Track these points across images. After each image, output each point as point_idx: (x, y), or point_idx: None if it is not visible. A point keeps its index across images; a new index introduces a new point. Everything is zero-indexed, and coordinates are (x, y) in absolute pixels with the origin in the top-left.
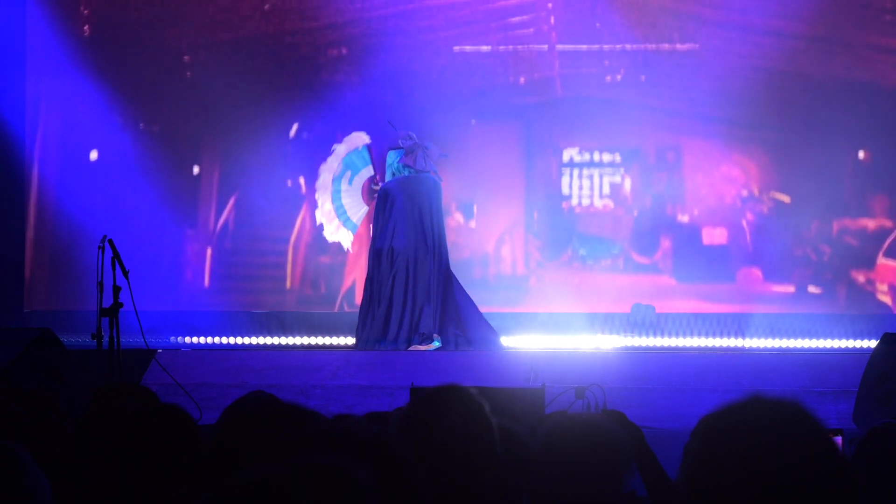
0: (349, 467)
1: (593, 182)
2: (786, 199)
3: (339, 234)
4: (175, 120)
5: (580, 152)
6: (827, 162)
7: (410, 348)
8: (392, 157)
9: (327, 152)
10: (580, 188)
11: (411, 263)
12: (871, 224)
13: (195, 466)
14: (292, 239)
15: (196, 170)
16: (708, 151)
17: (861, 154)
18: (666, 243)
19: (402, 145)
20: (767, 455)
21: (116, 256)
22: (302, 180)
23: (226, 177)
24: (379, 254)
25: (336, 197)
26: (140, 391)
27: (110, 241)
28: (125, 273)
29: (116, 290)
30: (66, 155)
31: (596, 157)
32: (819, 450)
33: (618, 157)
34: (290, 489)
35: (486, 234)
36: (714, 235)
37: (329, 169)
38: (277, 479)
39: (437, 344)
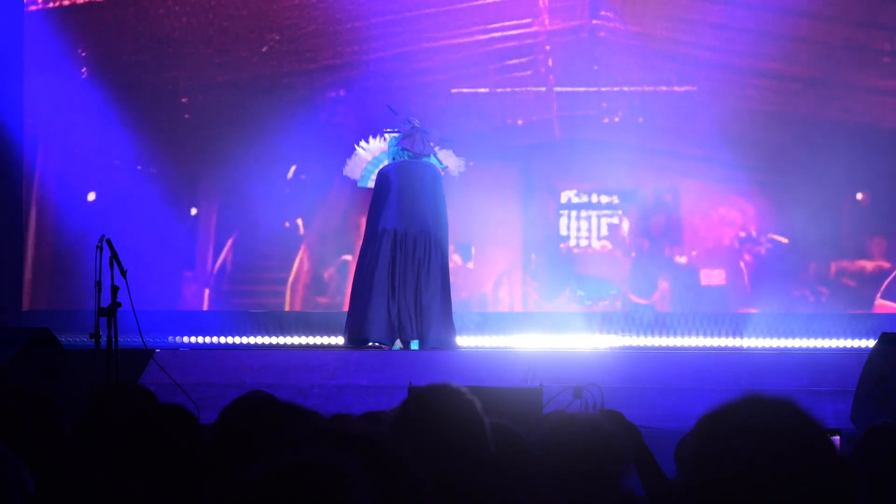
0: (344, 465)
1: (591, 223)
2: (784, 240)
3: (356, 171)
4: (173, 161)
5: (578, 194)
6: (825, 204)
7: (393, 347)
8: (392, 143)
9: (325, 193)
10: (578, 230)
11: (401, 245)
12: (868, 265)
13: (197, 466)
14: (290, 280)
15: (194, 211)
16: (706, 193)
17: (859, 196)
18: (664, 284)
19: (400, 130)
20: (765, 455)
21: (115, 256)
22: (300, 222)
23: (224, 218)
24: (371, 237)
25: (371, 165)
26: (138, 391)
27: (108, 241)
28: (123, 273)
29: (114, 289)
30: (62, 156)
31: (594, 198)
32: (816, 449)
33: (615, 199)
34: (285, 488)
35: (484, 275)
36: (712, 277)
37: (372, 149)
38: (273, 479)
39: (414, 346)
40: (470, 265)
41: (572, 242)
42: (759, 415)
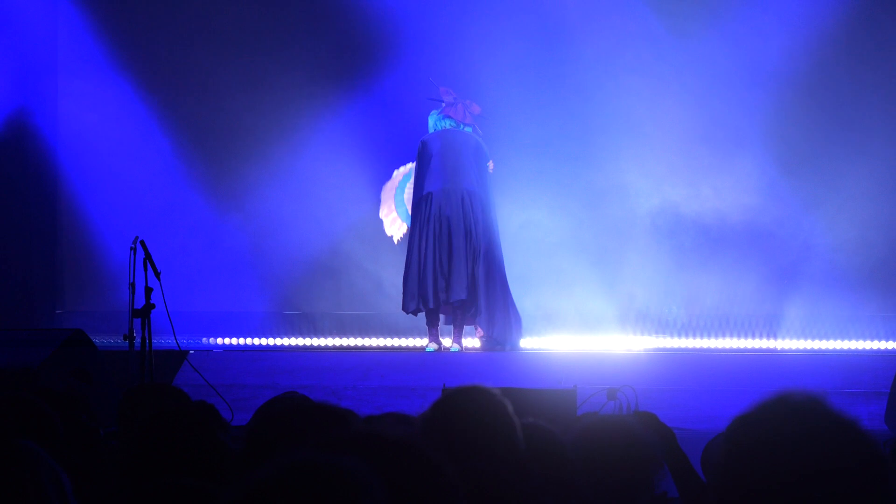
0: (351, 466)
1: None
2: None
3: (394, 227)
4: (210, 159)
5: None
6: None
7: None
8: (433, 116)
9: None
10: None
11: (448, 204)
12: None
13: (225, 464)
14: None
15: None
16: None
17: None
18: None
19: (444, 97)
20: (797, 454)
21: (148, 257)
22: None
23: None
24: (418, 203)
25: (399, 192)
26: (171, 391)
27: (142, 242)
28: (157, 274)
29: (148, 291)
30: (96, 158)
31: None
32: (851, 446)
33: None
34: (288, 489)
35: None
36: None
37: (400, 172)
38: (275, 480)
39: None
40: None
41: None
42: (789, 414)
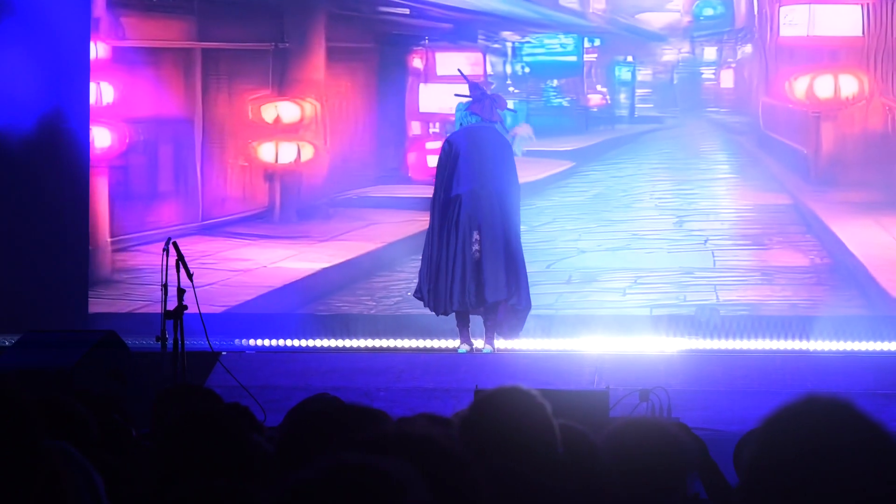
0: (394, 469)
1: None
2: None
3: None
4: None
5: None
6: None
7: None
8: (460, 108)
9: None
10: None
11: (479, 206)
12: None
13: (257, 466)
14: None
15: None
16: None
17: None
18: None
19: (471, 94)
20: (825, 457)
21: (181, 259)
22: None
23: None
24: (445, 203)
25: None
26: (204, 393)
27: (175, 244)
28: (189, 276)
29: (181, 292)
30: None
31: None
32: (876, 449)
33: None
34: (331, 491)
35: None
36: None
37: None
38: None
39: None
40: None
41: None
42: (816, 416)
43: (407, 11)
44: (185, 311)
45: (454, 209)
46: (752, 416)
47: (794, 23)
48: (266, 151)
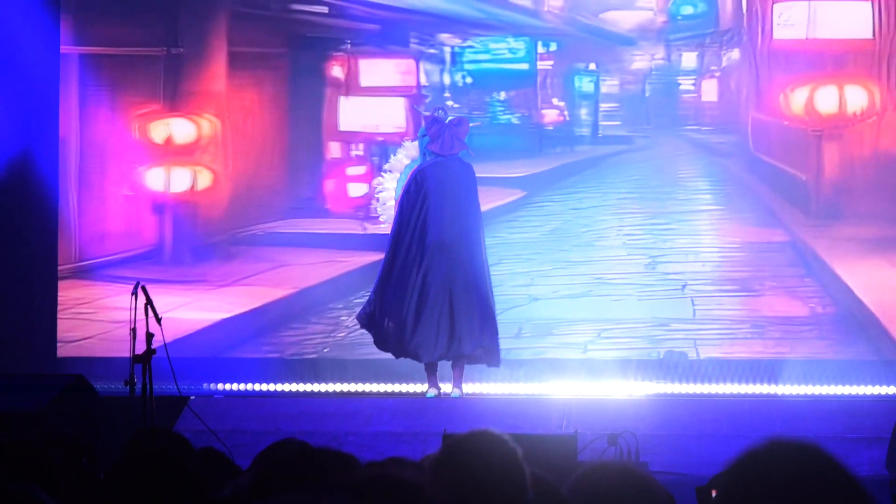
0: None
1: None
2: None
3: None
4: None
5: None
6: None
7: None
8: (422, 139)
9: None
10: None
11: (445, 264)
12: None
13: None
14: None
15: None
16: None
17: None
18: None
19: (427, 130)
20: (792, 499)
21: (149, 303)
22: None
23: None
24: (409, 244)
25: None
26: (173, 437)
27: (143, 288)
28: (158, 320)
29: (149, 336)
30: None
31: None
32: (843, 493)
33: None
34: None
35: None
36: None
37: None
38: None
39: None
40: None
41: None
42: (783, 459)
43: (325, 10)
44: (154, 355)
45: (423, 257)
46: (721, 459)
47: (790, 23)
48: (155, 178)
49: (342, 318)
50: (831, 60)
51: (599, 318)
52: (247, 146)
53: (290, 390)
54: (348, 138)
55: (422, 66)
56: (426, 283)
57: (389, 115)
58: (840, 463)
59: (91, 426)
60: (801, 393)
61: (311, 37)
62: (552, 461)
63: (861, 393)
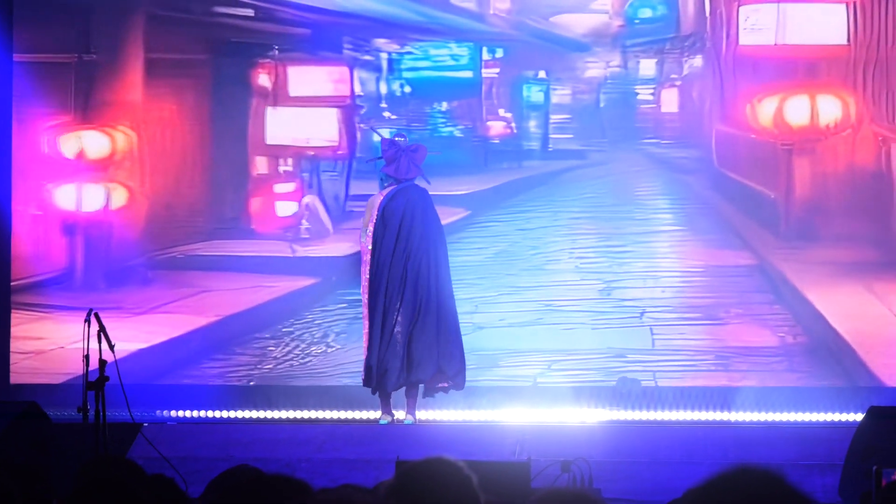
0: None
1: None
2: None
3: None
4: None
5: None
6: None
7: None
8: (379, 166)
9: None
10: None
11: (409, 293)
12: None
13: None
14: None
15: None
16: None
17: None
18: None
19: (384, 154)
20: None
21: (102, 330)
22: None
23: None
24: (387, 286)
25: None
26: (126, 464)
27: (96, 315)
28: (111, 347)
29: (102, 363)
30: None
31: None
32: None
33: None
34: None
35: None
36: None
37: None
38: None
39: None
40: None
41: None
42: (746, 487)
43: (251, 13)
44: (107, 382)
45: (387, 286)
46: (674, 486)
47: (758, 27)
48: (65, 196)
49: (269, 349)
50: (803, 68)
51: (550, 349)
52: (165, 161)
53: (243, 417)
54: (276, 152)
55: (356, 73)
56: (392, 314)
57: (321, 128)
58: (803, 493)
59: (44, 453)
60: (755, 420)
61: (235, 42)
62: (506, 488)
63: (815, 420)
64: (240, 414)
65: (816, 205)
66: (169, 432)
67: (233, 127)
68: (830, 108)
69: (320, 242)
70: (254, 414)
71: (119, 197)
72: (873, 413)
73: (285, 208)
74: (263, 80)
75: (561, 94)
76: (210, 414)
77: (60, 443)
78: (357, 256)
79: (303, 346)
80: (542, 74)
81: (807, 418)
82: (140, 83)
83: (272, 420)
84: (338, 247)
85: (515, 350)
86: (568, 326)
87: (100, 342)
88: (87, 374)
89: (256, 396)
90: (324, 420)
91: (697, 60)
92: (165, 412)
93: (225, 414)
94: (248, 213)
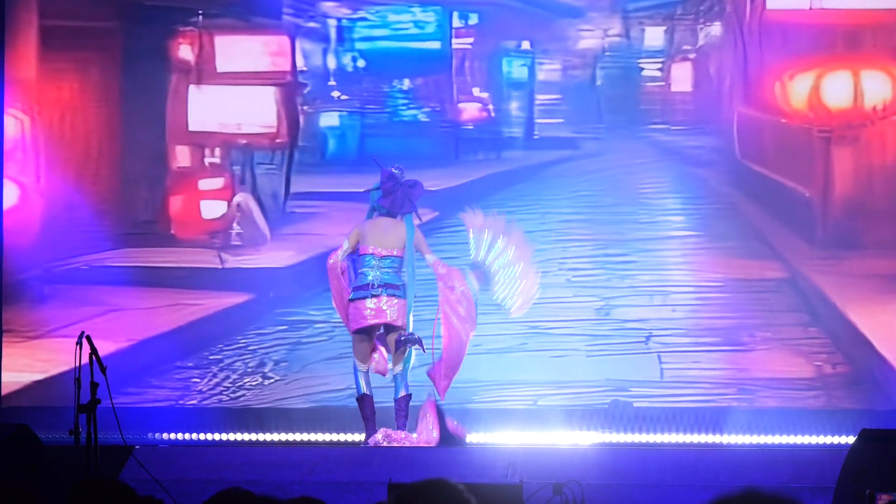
0: None
1: None
2: None
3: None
4: None
5: None
6: None
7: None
8: (374, 197)
9: None
10: None
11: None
12: None
13: None
14: None
15: None
16: None
17: None
18: None
19: (382, 185)
20: None
21: (94, 352)
22: None
23: None
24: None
25: None
26: (117, 487)
27: (88, 338)
28: (102, 369)
29: (94, 386)
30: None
31: None
32: None
33: None
34: None
35: None
36: None
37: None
38: None
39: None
40: None
41: None
42: None
43: None
44: (98, 405)
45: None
46: None
47: None
48: None
49: (193, 380)
50: (843, 38)
51: (536, 382)
52: (65, 152)
53: (235, 439)
54: (201, 141)
55: (299, 44)
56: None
57: (255, 111)
58: None
59: (35, 476)
60: (747, 442)
61: (150, 6)
62: None
63: (806, 442)
64: (231, 436)
65: (859, 205)
66: (160, 455)
67: (148, 110)
68: (877, 87)
69: (255, 251)
70: (245, 436)
71: (9, 195)
72: (865, 435)
73: (212, 209)
74: (185, 52)
75: (549, 70)
76: (201, 436)
77: (52, 465)
78: (300, 268)
79: (234, 376)
80: (525, 46)
81: (798, 441)
82: (33, 57)
83: (264, 442)
84: (276, 256)
85: (494, 381)
86: (558, 353)
87: (91, 365)
88: (78, 396)
89: (248, 418)
90: (316, 442)
91: (715, 28)
92: (157, 435)
93: (216, 436)
94: (167, 215)
